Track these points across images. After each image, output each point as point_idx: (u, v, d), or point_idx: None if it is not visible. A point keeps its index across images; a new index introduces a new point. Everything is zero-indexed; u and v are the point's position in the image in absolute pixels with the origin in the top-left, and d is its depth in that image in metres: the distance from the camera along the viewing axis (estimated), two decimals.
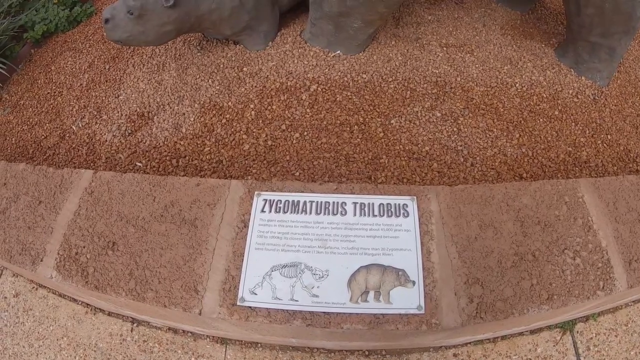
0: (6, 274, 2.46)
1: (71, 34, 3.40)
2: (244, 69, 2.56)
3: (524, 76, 2.58)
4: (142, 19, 2.18)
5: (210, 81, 2.56)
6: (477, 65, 2.60)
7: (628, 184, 1.97)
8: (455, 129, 2.31)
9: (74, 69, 3.01)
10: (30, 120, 2.77)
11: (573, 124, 2.43)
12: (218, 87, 2.51)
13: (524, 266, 1.69)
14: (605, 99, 2.59)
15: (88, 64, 2.99)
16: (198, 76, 2.60)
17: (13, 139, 2.69)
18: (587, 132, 2.41)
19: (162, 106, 2.51)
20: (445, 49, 2.68)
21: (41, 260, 1.85)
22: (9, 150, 2.63)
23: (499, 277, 1.66)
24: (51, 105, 2.81)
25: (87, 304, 2.25)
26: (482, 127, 2.32)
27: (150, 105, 2.54)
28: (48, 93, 2.91)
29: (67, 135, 2.58)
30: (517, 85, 2.54)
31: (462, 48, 2.70)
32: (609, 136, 2.42)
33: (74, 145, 2.50)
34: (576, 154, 2.30)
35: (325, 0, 2.28)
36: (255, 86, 2.47)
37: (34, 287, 2.39)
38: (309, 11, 2.55)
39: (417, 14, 2.93)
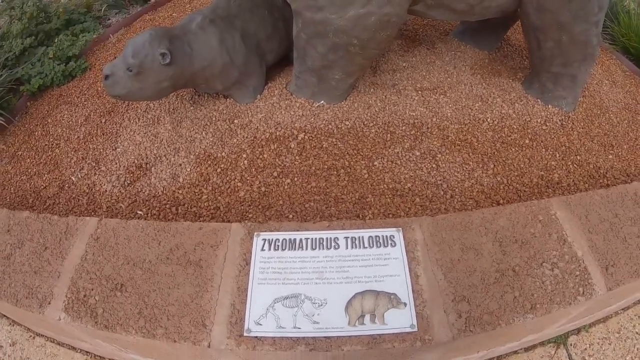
0: (2, 323, 2.59)
1: (66, 88, 3.70)
2: (235, 121, 2.88)
3: (494, 111, 2.94)
4: (140, 76, 2.47)
5: (204, 133, 2.85)
6: (450, 105, 2.94)
7: (598, 197, 2.27)
8: (434, 165, 2.61)
9: (70, 122, 3.28)
10: (29, 170, 3.00)
11: (543, 149, 2.76)
12: (212, 139, 2.80)
13: (506, 281, 1.92)
14: (573, 123, 2.96)
15: (84, 118, 3.28)
16: (192, 129, 2.90)
17: (12, 189, 2.90)
18: (557, 155, 2.74)
19: (159, 158, 2.78)
20: (420, 92, 3.03)
21: (49, 303, 2.01)
22: (8, 200, 2.83)
23: (484, 292, 1.88)
24: (49, 157, 3.05)
25: (87, 352, 2.40)
26: (459, 161, 2.63)
27: (147, 157, 2.80)
28: (46, 145, 3.16)
29: (67, 185, 2.81)
30: (489, 120, 2.88)
31: (435, 90, 3.06)
32: (578, 157, 2.75)
33: (74, 195, 2.73)
34: (548, 176, 2.61)
35: (308, 55, 2.63)
36: (247, 137, 2.76)
37: (31, 336, 2.53)
38: (293, 65, 2.88)
39: (392, 61, 3.33)
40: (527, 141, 2.79)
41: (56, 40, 4.13)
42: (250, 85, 2.92)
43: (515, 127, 2.86)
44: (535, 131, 2.86)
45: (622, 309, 2.51)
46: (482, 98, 3.03)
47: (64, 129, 3.23)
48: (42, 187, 2.84)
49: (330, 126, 2.79)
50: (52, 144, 3.14)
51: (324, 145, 2.69)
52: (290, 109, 2.89)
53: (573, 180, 2.61)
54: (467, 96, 3.03)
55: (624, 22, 4.08)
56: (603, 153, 2.81)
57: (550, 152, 2.75)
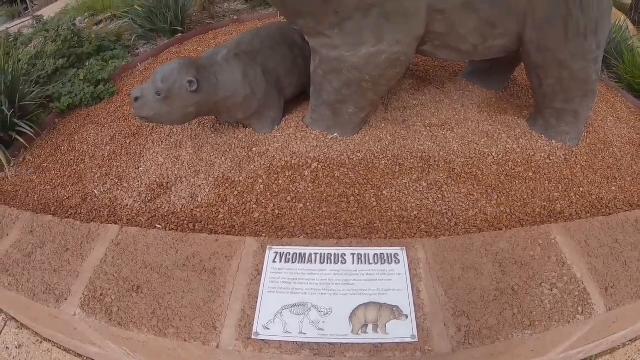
0: (10, 325, 2.73)
1: (94, 109, 3.99)
2: (253, 149, 3.11)
3: (499, 146, 3.15)
4: (168, 100, 2.73)
5: (223, 158, 3.09)
6: (457, 141, 3.15)
7: (598, 224, 2.43)
8: (440, 196, 2.79)
9: (96, 141, 3.54)
10: (53, 181, 3.23)
11: (547, 181, 2.95)
12: (230, 164, 3.03)
13: (505, 299, 2.05)
14: (576, 157, 3.16)
15: (110, 137, 3.54)
16: (212, 154, 3.14)
17: (35, 197, 3.12)
18: (560, 187, 2.93)
19: (179, 178, 3.02)
20: (429, 128, 3.27)
21: (65, 299, 2.17)
22: (31, 206, 3.04)
23: (483, 309, 2.01)
24: (74, 171, 3.29)
25: None
26: (464, 192, 2.81)
27: (168, 177, 3.04)
28: (71, 159, 3.41)
29: (89, 198, 3.03)
30: (494, 154, 3.08)
31: (443, 126, 3.29)
32: (581, 188, 2.93)
33: (95, 207, 2.95)
34: (550, 207, 2.78)
35: (324, 90, 2.89)
36: (264, 164, 2.99)
37: (38, 340, 2.66)
38: (309, 100, 3.16)
39: (403, 99, 3.60)
40: (530, 174, 2.98)
41: (87, 64, 4.47)
42: (269, 117, 3.18)
43: (519, 160, 3.05)
44: (538, 165, 3.05)
45: (630, 340, 2.57)
46: (488, 134, 3.24)
47: (90, 147, 3.49)
48: (65, 197, 3.07)
49: (342, 157, 3.01)
50: (78, 159, 3.39)
51: (336, 174, 2.90)
52: (306, 140, 3.13)
53: (575, 211, 2.77)
54: (473, 132, 3.25)
55: (628, 60, 4.34)
56: (606, 185, 2.99)
57: (554, 184, 2.93)
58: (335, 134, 3.13)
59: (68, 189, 3.13)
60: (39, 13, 8.03)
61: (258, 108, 3.06)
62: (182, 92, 2.72)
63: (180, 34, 5.27)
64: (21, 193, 3.17)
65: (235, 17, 5.83)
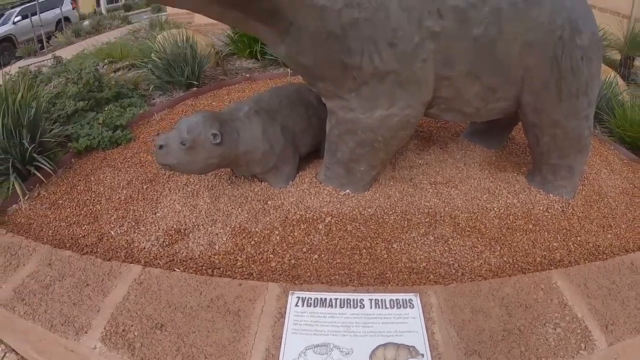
0: (9, 357, 2.74)
1: (111, 153, 4.17)
2: (269, 202, 3.32)
3: (500, 201, 3.42)
4: (191, 151, 2.91)
5: (239, 210, 3.28)
6: (461, 197, 3.42)
7: (595, 268, 2.70)
8: (446, 248, 3.02)
9: (112, 184, 3.70)
10: (69, 219, 3.35)
11: (546, 233, 3.20)
12: (247, 215, 3.22)
13: (513, 338, 2.25)
14: (573, 209, 3.44)
15: (126, 182, 3.71)
16: (229, 205, 3.33)
17: (50, 232, 3.24)
18: (559, 237, 3.18)
19: (197, 226, 3.18)
20: (434, 186, 3.54)
21: (85, 332, 2.28)
22: (45, 240, 3.14)
23: (493, 348, 2.20)
24: (90, 210, 3.43)
25: None
26: (469, 245, 3.04)
27: (186, 224, 3.20)
28: (87, 199, 3.55)
29: (106, 238, 3.15)
30: (495, 209, 3.34)
31: (448, 184, 3.56)
32: (578, 238, 3.18)
33: (112, 247, 3.07)
34: (550, 256, 3.02)
35: (339, 149, 3.19)
36: (279, 216, 3.19)
37: None
38: (321, 158, 3.45)
39: (409, 159, 3.90)
40: (530, 226, 3.23)
41: (106, 109, 4.66)
42: (284, 172, 3.41)
43: (519, 214, 3.31)
44: (538, 217, 3.31)
45: None
46: (490, 190, 3.51)
47: (106, 189, 3.66)
48: (80, 235, 3.19)
49: (354, 212, 3.23)
50: (94, 200, 3.54)
51: (349, 228, 3.11)
52: (319, 195, 3.36)
53: (574, 258, 3.02)
54: (476, 189, 3.52)
55: (619, 114, 4.73)
56: (602, 233, 3.25)
57: (552, 235, 3.18)
58: (348, 191, 3.36)
59: (84, 228, 3.25)
60: (60, 55, 8.41)
61: (275, 163, 3.29)
62: (206, 144, 2.91)
63: (195, 88, 5.60)
64: (35, 227, 3.28)
65: (248, 75, 6.20)
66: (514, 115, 3.44)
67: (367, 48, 2.72)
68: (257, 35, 3.09)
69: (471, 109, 3.18)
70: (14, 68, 6.87)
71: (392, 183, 3.52)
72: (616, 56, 8.83)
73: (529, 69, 3.04)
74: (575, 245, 3.11)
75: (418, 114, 3.03)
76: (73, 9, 18.16)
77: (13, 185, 3.58)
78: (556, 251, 3.04)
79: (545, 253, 3.01)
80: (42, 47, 14.94)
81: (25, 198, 3.56)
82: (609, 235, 3.22)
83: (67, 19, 18.20)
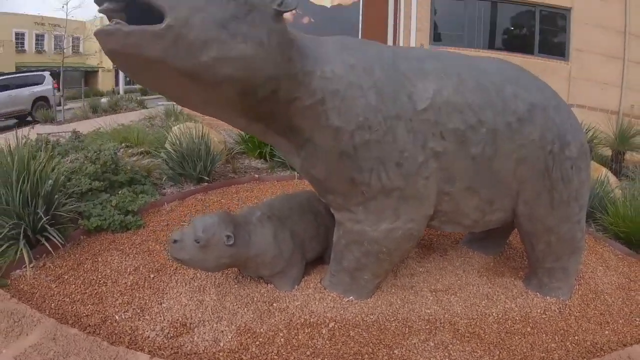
0: None
1: (119, 237, 4.28)
2: (274, 304, 3.42)
3: (498, 306, 3.52)
4: (205, 249, 3.07)
5: (245, 309, 3.36)
6: (460, 304, 3.53)
7: None
8: (446, 354, 3.07)
9: (119, 268, 3.78)
10: (73, 296, 3.40)
11: (544, 335, 3.27)
12: (252, 315, 3.30)
13: None
14: (569, 309, 3.54)
15: (134, 268, 3.79)
16: (235, 304, 3.41)
17: (52, 305, 3.27)
18: (557, 338, 3.25)
19: (202, 322, 3.23)
20: (434, 293, 3.66)
21: None
22: (47, 312, 3.16)
23: None
24: (95, 291, 3.48)
25: None
26: (468, 350, 3.11)
27: (192, 318, 3.25)
28: (93, 279, 3.61)
29: (110, 321, 3.18)
30: (494, 314, 3.44)
31: (447, 291, 3.68)
32: (576, 337, 3.26)
33: (115, 332, 3.08)
34: (549, 357, 3.07)
35: (345, 258, 3.35)
36: (284, 319, 3.28)
37: None
38: (327, 264, 3.60)
39: (411, 267, 4.05)
40: (528, 329, 3.31)
41: (120, 192, 4.84)
42: (291, 276, 3.54)
43: (517, 318, 3.41)
44: (535, 320, 3.40)
45: None
46: (488, 296, 3.63)
47: (113, 272, 3.74)
48: (84, 314, 3.22)
49: (357, 318, 3.32)
50: (100, 281, 3.61)
51: (351, 334, 3.19)
52: (324, 300, 3.46)
53: (572, 357, 3.07)
54: (475, 295, 3.64)
55: (612, 211, 4.93)
56: (599, 330, 3.33)
57: (550, 336, 3.25)
58: (351, 297, 3.47)
59: (88, 307, 3.29)
60: (76, 128, 8.72)
61: (283, 267, 3.43)
62: (219, 244, 3.08)
63: (206, 183, 5.83)
64: (38, 297, 3.34)
65: (257, 176, 6.48)
66: (511, 225, 3.64)
67: (376, 167, 2.97)
68: (276, 146, 3.36)
69: (470, 221, 3.38)
70: (32, 133, 7.08)
71: (393, 290, 3.63)
72: (607, 152, 9.20)
73: (523, 181, 3.28)
74: (573, 344, 3.18)
75: (421, 227, 3.23)
76: (54, 88, 17.50)
77: (21, 251, 3.67)
78: (554, 352, 3.10)
79: (543, 355, 3.07)
80: (60, 121, 15.36)
81: (31, 266, 3.63)
82: (607, 332, 3.30)
83: (44, 98, 17.64)
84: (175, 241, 3.06)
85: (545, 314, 3.47)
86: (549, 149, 3.23)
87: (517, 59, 11.43)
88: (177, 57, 2.24)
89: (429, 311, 3.42)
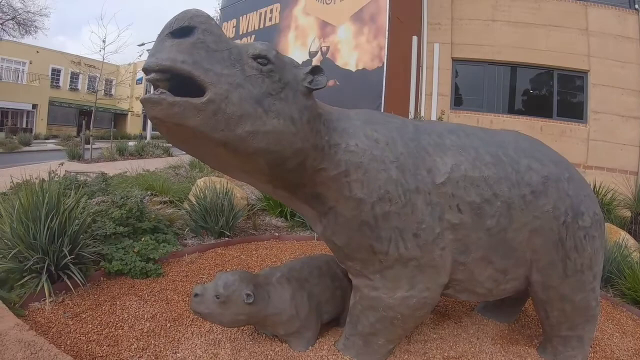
0: None
1: (139, 283, 4.38)
2: None
3: None
4: (224, 305, 3.18)
5: None
6: None
7: None
8: None
9: (137, 314, 3.85)
10: (88, 335, 3.46)
11: None
12: None
13: None
14: None
15: (151, 315, 3.86)
16: None
17: (68, 342, 3.33)
18: None
19: None
20: None
21: None
22: (63, 348, 3.21)
23: None
24: (111, 333, 3.54)
25: None
26: None
27: None
28: (110, 322, 3.67)
29: None
30: None
31: (460, 358, 3.66)
32: None
33: None
34: None
35: (360, 322, 3.41)
36: None
37: None
38: (341, 327, 3.66)
39: (424, 333, 4.05)
40: None
41: (143, 240, 4.97)
42: (306, 337, 3.59)
43: None
44: None
45: None
46: None
47: (130, 317, 3.81)
48: (99, 354, 3.27)
49: None
50: (117, 324, 3.68)
51: None
52: None
53: None
54: None
55: (629, 276, 4.88)
56: None
57: None
58: None
59: (103, 349, 3.34)
60: (102, 168, 8.98)
61: (299, 328, 3.50)
62: (239, 302, 3.19)
63: (226, 238, 5.96)
64: (54, 331, 3.41)
65: (277, 234, 6.61)
66: (525, 293, 3.66)
67: (395, 237, 3.08)
68: (300, 212, 3.52)
69: (484, 290, 3.43)
70: (61, 169, 7.33)
71: (406, 356, 3.63)
72: (627, 214, 9.13)
73: (537, 251, 3.34)
74: None
75: (436, 295, 3.29)
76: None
77: (42, 284, 3.80)
78: None
79: None
80: (87, 160, 15.92)
81: (50, 300, 3.74)
82: None
83: None
84: (196, 295, 3.18)
85: None
86: (562, 220, 3.31)
87: (537, 122, 11.65)
88: (216, 128, 2.43)
89: None
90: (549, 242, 3.33)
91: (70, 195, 4.65)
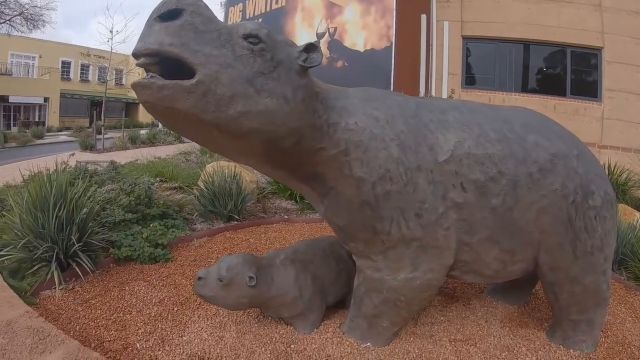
0: None
1: (148, 268, 4.45)
2: (292, 345, 3.47)
3: (519, 359, 3.43)
4: (227, 288, 3.23)
5: (263, 349, 3.41)
6: (479, 355, 3.48)
7: None
8: None
9: (145, 298, 3.92)
10: (97, 320, 3.55)
11: None
12: (269, 356, 3.35)
13: None
14: None
15: (159, 299, 3.93)
16: (254, 342, 3.47)
17: (77, 327, 3.43)
18: None
19: (220, 357, 3.28)
20: (453, 343, 3.63)
21: None
22: (71, 334, 3.30)
23: None
24: (119, 318, 3.62)
25: None
26: None
27: (210, 353, 3.32)
28: (119, 307, 3.76)
29: (130, 348, 3.29)
30: None
31: (467, 342, 3.65)
32: None
33: (135, 359, 3.19)
34: None
35: (364, 304, 3.41)
36: None
37: None
38: (345, 309, 3.66)
39: (432, 315, 4.04)
40: None
41: (151, 226, 5.06)
42: (310, 319, 3.62)
43: None
44: None
45: None
46: (509, 348, 3.57)
47: (138, 301, 3.89)
48: (106, 339, 3.36)
49: None
50: (125, 309, 3.76)
51: None
52: (341, 345, 3.49)
53: None
54: (495, 347, 3.58)
55: None
56: None
57: None
58: (368, 344, 3.50)
59: (111, 333, 3.43)
60: (114, 158, 9.10)
61: (303, 310, 3.52)
62: (241, 284, 3.24)
63: (235, 222, 6.00)
64: (64, 318, 3.50)
65: (286, 217, 6.65)
66: (534, 274, 3.60)
67: (396, 216, 3.05)
68: (301, 192, 3.50)
69: (491, 271, 3.38)
70: (72, 159, 7.40)
71: (412, 339, 3.63)
72: None
73: (545, 231, 3.26)
74: None
75: (440, 277, 3.25)
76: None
77: (52, 272, 3.89)
78: None
79: None
80: (99, 149, 16.17)
81: (60, 288, 3.84)
82: None
83: None
84: (200, 278, 3.24)
85: None
86: (571, 199, 3.22)
87: (550, 101, 11.44)
88: (206, 110, 2.42)
89: None
90: (558, 222, 3.25)
91: (77, 185, 4.70)
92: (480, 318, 3.99)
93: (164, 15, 2.32)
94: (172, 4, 2.32)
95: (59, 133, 30.49)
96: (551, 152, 3.26)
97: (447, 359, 3.42)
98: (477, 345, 3.58)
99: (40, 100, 35.67)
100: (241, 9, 15.21)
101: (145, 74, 2.40)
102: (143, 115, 42.55)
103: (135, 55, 2.33)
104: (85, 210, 4.41)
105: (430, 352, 3.48)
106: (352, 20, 11.52)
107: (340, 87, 3.27)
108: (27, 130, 26.75)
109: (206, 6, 2.49)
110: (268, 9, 14.05)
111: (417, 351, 3.48)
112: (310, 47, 2.80)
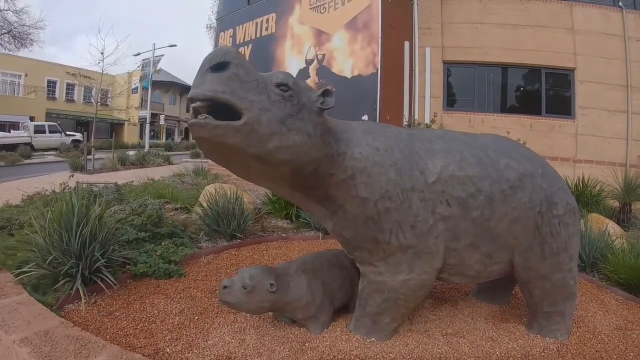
0: None
1: (163, 283, 4.83)
2: (306, 344, 3.96)
3: (502, 346, 4.01)
4: (250, 294, 3.68)
5: (281, 347, 3.88)
6: (467, 345, 4.04)
7: None
8: None
9: (166, 309, 4.29)
10: (125, 330, 3.88)
11: None
12: (287, 353, 3.81)
13: None
14: (567, 347, 3.99)
15: (179, 310, 4.31)
16: (273, 343, 3.93)
17: (107, 336, 3.71)
18: None
19: (245, 356, 3.68)
20: (445, 336, 4.19)
21: None
22: (102, 343, 3.56)
23: None
24: (145, 327, 3.95)
25: None
26: None
27: (235, 353, 3.72)
28: (143, 317, 4.09)
29: (161, 353, 3.60)
30: (497, 353, 3.91)
31: (457, 335, 4.22)
32: None
33: None
34: None
35: (368, 304, 3.97)
36: (315, 356, 3.80)
37: None
38: (350, 313, 4.24)
39: (425, 315, 4.62)
40: None
41: (163, 244, 5.49)
42: (321, 320, 4.12)
43: (518, 356, 3.86)
44: (535, 358, 3.84)
45: None
46: (493, 338, 4.13)
47: (160, 312, 4.25)
48: (137, 346, 3.65)
49: (378, 356, 3.83)
50: (149, 319, 4.10)
51: None
52: (349, 341, 3.99)
53: None
54: (481, 338, 4.14)
55: (612, 261, 5.48)
56: None
57: None
58: (373, 339, 4.01)
59: (140, 341, 3.73)
60: (107, 179, 9.41)
61: (315, 312, 4.03)
62: (263, 291, 3.71)
63: (238, 240, 6.47)
64: (92, 329, 3.78)
65: (284, 235, 7.19)
66: (511, 275, 4.20)
67: (395, 228, 3.64)
68: (312, 212, 4.06)
69: (474, 272, 3.96)
70: (71, 180, 7.62)
71: (409, 334, 4.16)
72: (615, 204, 9.63)
73: (517, 237, 3.89)
74: None
75: (432, 277, 3.83)
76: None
77: (75, 287, 4.24)
78: None
79: None
80: (90, 170, 16.32)
81: (84, 302, 4.17)
82: None
83: None
84: (225, 287, 3.66)
85: (544, 352, 3.90)
86: (537, 210, 3.87)
87: (527, 120, 12.19)
88: (250, 145, 3.02)
89: (439, 351, 3.91)
90: (527, 229, 3.90)
91: (97, 204, 5.13)
92: (467, 316, 4.57)
93: (214, 67, 2.92)
94: (220, 57, 2.93)
95: (46, 153, 30.37)
96: (520, 172, 3.92)
97: (441, 349, 3.95)
98: (466, 337, 4.13)
99: (26, 119, 35.53)
100: (231, 34, 15.78)
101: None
102: (128, 135, 42.64)
103: (192, 99, 2.93)
104: (106, 229, 4.82)
105: (426, 343, 4.02)
106: (340, 47, 12.20)
107: (344, 121, 3.90)
108: (15, 150, 26.71)
109: (245, 58, 3.11)
110: (258, 35, 14.65)
111: (414, 343, 4.02)
112: (326, 92, 3.45)
